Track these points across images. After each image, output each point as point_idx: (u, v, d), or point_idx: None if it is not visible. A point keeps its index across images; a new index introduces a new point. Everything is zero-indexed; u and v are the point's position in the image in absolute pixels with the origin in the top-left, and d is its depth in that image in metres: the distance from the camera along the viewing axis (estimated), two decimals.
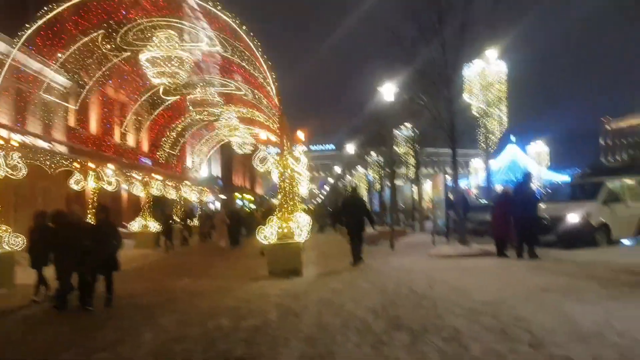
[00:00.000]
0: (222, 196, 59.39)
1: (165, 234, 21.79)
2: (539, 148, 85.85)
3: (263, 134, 18.59)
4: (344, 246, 20.30)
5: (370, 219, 15.20)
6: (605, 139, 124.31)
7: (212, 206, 53.48)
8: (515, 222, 13.09)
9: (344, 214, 15.16)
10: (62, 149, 20.90)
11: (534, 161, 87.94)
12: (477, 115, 33.70)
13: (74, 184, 18.65)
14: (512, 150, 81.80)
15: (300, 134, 13.32)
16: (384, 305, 8.16)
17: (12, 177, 13.01)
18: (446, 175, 16.83)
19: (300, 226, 12.85)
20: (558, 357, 5.00)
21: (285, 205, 12.74)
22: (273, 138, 19.54)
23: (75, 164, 19.19)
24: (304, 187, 23.67)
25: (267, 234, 12.40)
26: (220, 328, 7.23)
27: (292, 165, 13.09)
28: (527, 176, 14.19)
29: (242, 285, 11.39)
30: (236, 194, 68.28)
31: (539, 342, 5.56)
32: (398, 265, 13.44)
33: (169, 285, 12.22)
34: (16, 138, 15.23)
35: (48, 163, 17.86)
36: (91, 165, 18.56)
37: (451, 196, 16.39)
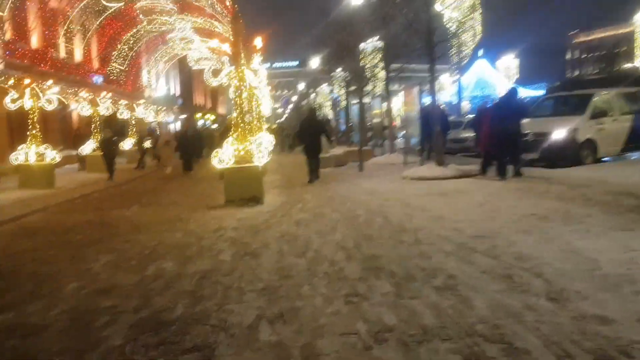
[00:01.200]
0: (182, 116, 57.03)
1: (106, 159, 19.02)
2: (508, 62, 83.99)
3: (221, 46, 16.58)
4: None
5: (327, 136, 16.42)
6: (572, 53, 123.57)
7: (172, 126, 51.25)
8: (499, 138, 12.03)
9: (302, 135, 15.85)
10: None
11: (502, 76, 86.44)
12: (450, 25, 31.89)
13: (10, 103, 16.58)
14: (480, 66, 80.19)
15: (258, 41, 11.55)
16: (357, 241, 6.94)
17: None
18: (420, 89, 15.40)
19: (261, 148, 11.40)
20: (593, 318, 3.84)
21: (242, 125, 11.20)
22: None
23: (10, 81, 17.05)
24: (266, 105, 21.95)
25: (223, 157, 10.93)
26: (161, 275, 5.91)
27: (250, 78, 11.44)
28: (514, 91, 13.00)
29: (194, 216, 10.05)
30: (197, 113, 65.77)
31: (559, 293, 4.41)
32: (369, 190, 12.25)
33: (114, 215, 10.82)
34: None
35: None
36: (27, 81, 16.41)
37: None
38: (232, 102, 11.52)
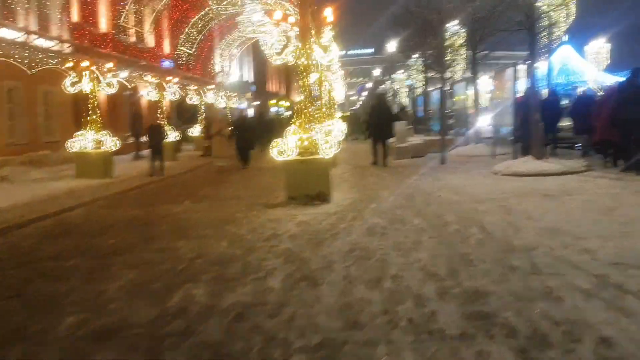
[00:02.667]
0: (256, 102, 56.51)
1: (152, 150, 15.97)
2: (599, 47, 76.86)
3: (287, 19, 15.03)
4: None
5: (395, 120, 16.85)
6: None
7: (245, 113, 50.70)
8: (623, 126, 10.39)
9: (370, 120, 16.60)
10: (51, 44, 17.90)
11: (590, 63, 79.16)
12: (540, 3, 28.92)
13: (70, 86, 15.80)
14: (564, 52, 74.41)
15: (329, 13, 9.90)
16: (450, 265, 5.18)
17: None
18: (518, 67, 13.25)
19: (329, 137, 9.77)
20: None
21: (307, 110, 9.61)
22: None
23: (68, 63, 16.32)
24: (339, 90, 20.17)
25: (283, 147, 9.39)
26: (186, 308, 4.42)
27: (318, 56, 9.83)
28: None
29: (249, 215, 8.59)
30: (271, 100, 65.17)
31: None
32: (456, 187, 10.37)
33: (161, 212, 9.58)
34: None
35: (27, 61, 15.05)
36: (85, 63, 15.55)
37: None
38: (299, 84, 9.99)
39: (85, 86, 15.46)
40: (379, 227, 7.16)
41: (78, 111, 20.63)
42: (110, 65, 16.46)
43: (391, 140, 17.24)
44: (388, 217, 7.82)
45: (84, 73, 15.44)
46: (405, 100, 60.24)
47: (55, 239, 7.54)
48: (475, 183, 10.77)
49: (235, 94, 39.48)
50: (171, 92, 22.97)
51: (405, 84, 56.96)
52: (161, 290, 4.94)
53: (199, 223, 8.22)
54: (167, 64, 28.14)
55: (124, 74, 21.96)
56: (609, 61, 77.66)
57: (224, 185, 13.29)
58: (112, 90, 16.56)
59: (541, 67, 38.91)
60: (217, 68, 35.07)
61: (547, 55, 37.46)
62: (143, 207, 10.25)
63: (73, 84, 15.65)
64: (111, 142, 15.89)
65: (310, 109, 9.70)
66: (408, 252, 5.74)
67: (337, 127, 16.53)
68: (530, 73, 12.20)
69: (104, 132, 15.93)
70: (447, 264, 5.21)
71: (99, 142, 15.70)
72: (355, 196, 10.07)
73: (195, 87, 28.36)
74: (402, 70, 53.88)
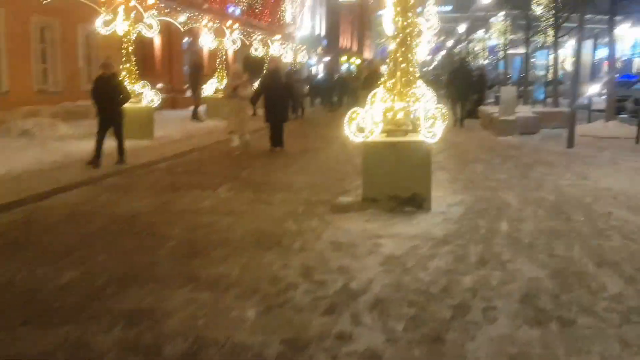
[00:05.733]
0: (326, 58, 53.01)
1: (101, 122, 9.64)
2: None
3: None
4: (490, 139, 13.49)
5: (481, 89, 18.25)
6: None
7: (314, 70, 47.39)
8: None
9: (452, 84, 16.70)
10: None
11: None
12: None
13: (103, 25, 12.95)
14: None
15: None
16: None
17: None
18: None
19: (429, 111, 6.37)
20: None
21: (406, 66, 6.20)
22: None
23: None
24: (423, 46, 15.97)
25: (364, 123, 6.07)
26: None
27: None
28: None
29: (305, 229, 5.44)
30: (342, 56, 61.33)
31: None
32: (624, 195, 6.75)
33: (181, 205, 6.65)
34: None
35: None
36: None
37: None
38: (386, 47, 6.55)
39: (119, 26, 12.61)
40: (544, 292, 3.80)
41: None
42: (152, 1, 13.48)
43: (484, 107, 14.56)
44: (545, 260, 4.44)
45: (118, 10, 12.58)
46: (483, 62, 54.85)
47: None
48: None
49: (304, 47, 36.11)
50: (231, 40, 19.91)
51: (486, 45, 51.77)
52: None
53: (226, 239, 5.15)
54: (232, 9, 25.08)
55: (182, 17, 19.09)
56: None
57: (281, 163, 10.12)
58: (152, 33, 13.65)
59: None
60: (288, 17, 31.64)
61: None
62: (162, 193, 7.31)
63: (107, 23, 12.83)
64: (151, 96, 13.12)
65: (408, 64, 6.26)
66: None
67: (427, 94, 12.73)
68: None
69: (143, 82, 13.17)
70: None
71: (137, 96, 12.92)
72: (466, 199, 6.70)
73: (261, 37, 25.26)
74: (483, 30, 48.71)
